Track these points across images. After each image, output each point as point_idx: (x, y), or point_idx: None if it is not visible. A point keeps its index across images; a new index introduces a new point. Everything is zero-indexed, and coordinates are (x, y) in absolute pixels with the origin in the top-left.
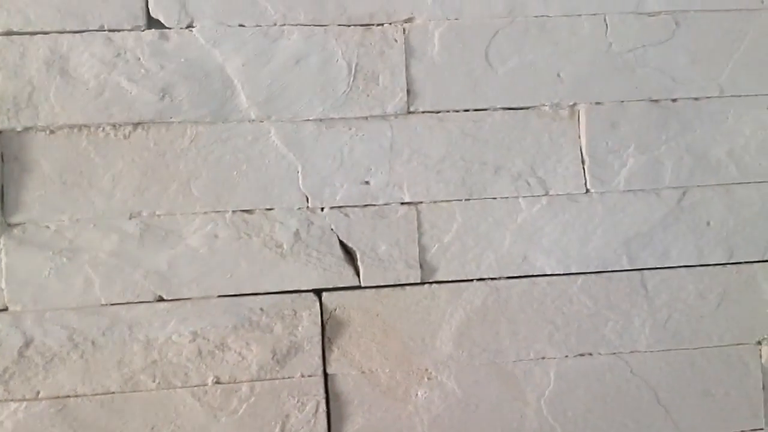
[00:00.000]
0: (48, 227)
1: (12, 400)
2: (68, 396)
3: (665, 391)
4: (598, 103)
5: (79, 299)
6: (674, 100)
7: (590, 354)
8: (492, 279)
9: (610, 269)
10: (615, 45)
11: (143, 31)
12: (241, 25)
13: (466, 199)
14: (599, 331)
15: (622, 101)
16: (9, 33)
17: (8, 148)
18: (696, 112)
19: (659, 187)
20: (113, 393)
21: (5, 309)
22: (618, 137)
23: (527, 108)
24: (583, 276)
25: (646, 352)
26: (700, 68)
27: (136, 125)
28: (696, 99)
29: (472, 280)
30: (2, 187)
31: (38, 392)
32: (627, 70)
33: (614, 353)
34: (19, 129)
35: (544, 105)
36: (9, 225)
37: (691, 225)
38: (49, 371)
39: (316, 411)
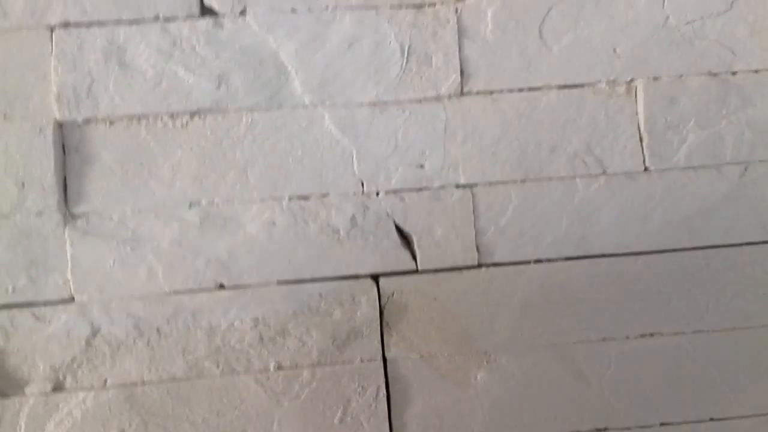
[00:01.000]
0: (111, 218)
1: (80, 389)
2: (135, 384)
3: (729, 371)
4: (655, 78)
5: (143, 288)
6: (734, 73)
7: (652, 335)
8: (550, 261)
9: (671, 248)
10: (672, 18)
11: (198, 19)
12: (293, 10)
13: (521, 181)
14: (661, 311)
15: (681, 76)
16: (67, 25)
17: (69, 140)
18: (756, 85)
19: (720, 163)
20: (179, 380)
21: (72, 299)
22: (677, 113)
23: (583, 85)
24: (643, 256)
25: (710, 331)
26: (760, 39)
27: (193, 114)
28: (756, 71)
29: (529, 262)
30: (65, 178)
31: (106, 381)
32: (685, 44)
33: (677, 333)
34: (79, 121)
35: (600, 82)
36: (73, 216)
37: (753, 201)
38: (116, 360)
39: (377, 395)
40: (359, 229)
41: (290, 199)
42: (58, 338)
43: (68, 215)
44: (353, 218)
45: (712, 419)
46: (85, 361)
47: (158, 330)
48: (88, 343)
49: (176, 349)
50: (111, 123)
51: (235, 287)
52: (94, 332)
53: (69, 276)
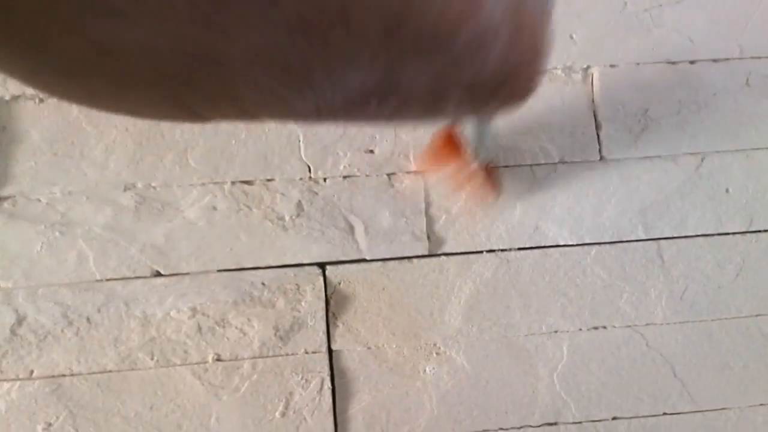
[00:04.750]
0: (39, 200)
1: (5, 380)
2: (63, 375)
3: (682, 364)
4: (612, 66)
5: (73, 275)
6: (692, 62)
7: (604, 327)
8: (502, 250)
9: (625, 239)
10: (630, 4)
11: None
12: None
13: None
14: (614, 303)
15: (638, 64)
16: None
17: None
18: (715, 75)
19: (676, 154)
20: (110, 371)
21: None
22: (634, 101)
23: None
24: (597, 246)
25: (662, 324)
26: (719, 29)
27: None
28: (715, 61)
29: (481, 251)
30: None
31: (32, 371)
32: (643, 31)
33: (629, 326)
34: (7, 98)
35: (555, 68)
36: None
37: (709, 192)
38: (43, 349)
39: (321, 388)
40: (305, 216)
41: (233, 183)
42: None
43: None
44: (299, 204)
45: (664, 413)
46: (10, 351)
47: (88, 319)
48: (13, 332)
49: (108, 339)
50: (41, 100)
51: (172, 275)
52: (20, 320)
53: None
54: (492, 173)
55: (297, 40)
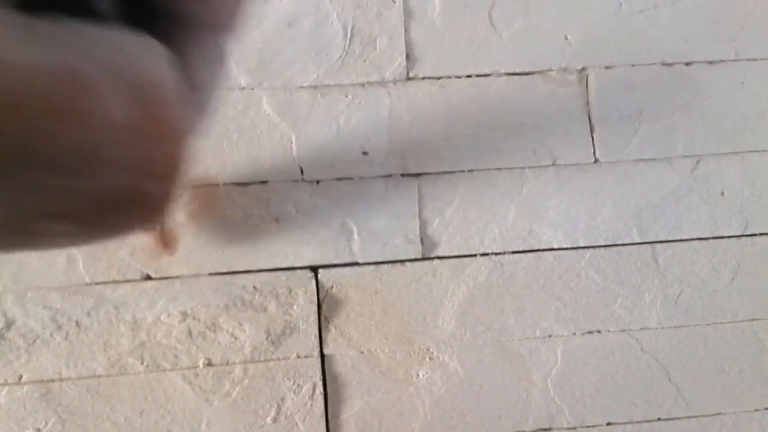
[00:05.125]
0: None
1: None
2: (52, 380)
3: (677, 369)
4: (608, 68)
5: (62, 278)
6: (688, 64)
7: (599, 331)
8: (496, 254)
9: (619, 242)
10: (625, 5)
11: None
12: None
13: (468, 170)
14: (608, 307)
15: (633, 65)
16: None
17: None
18: (710, 77)
19: (672, 156)
20: (99, 376)
21: None
22: (629, 103)
23: (533, 73)
24: (591, 250)
25: (656, 328)
26: (715, 30)
27: None
28: (710, 62)
29: (475, 255)
30: None
31: (21, 376)
32: (638, 32)
33: (624, 330)
34: None
35: (551, 70)
36: None
37: (704, 195)
38: (32, 354)
39: (313, 393)
40: (298, 219)
41: (225, 185)
42: None
43: None
44: (292, 207)
45: (659, 419)
46: None
47: (78, 323)
48: (2, 336)
49: (97, 343)
50: None
51: (163, 278)
52: (8, 324)
53: None
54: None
55: None
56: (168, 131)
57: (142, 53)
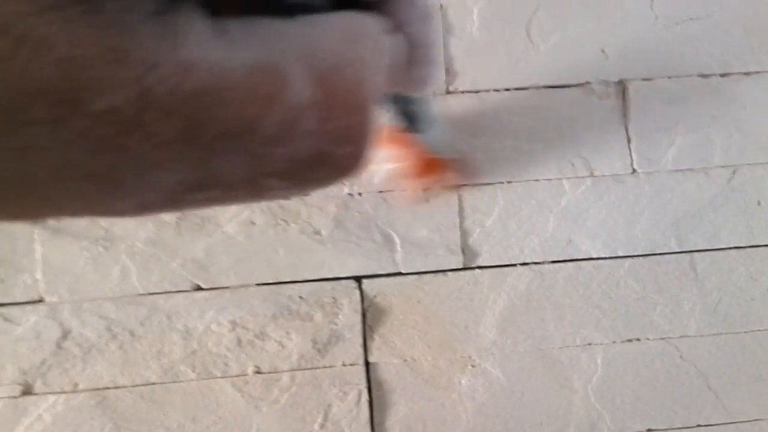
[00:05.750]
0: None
1: (50, 393)
2: (107, 387)
3: (715, 376)
4: (644, 80)
5: (117, 289)
6: (724, 75)
7: (638, 339)
8: (536, 263)
9: (658, 252)
10: (661, 18)
11: None
12: None
13: (508, 182)
14: (647, 315)
15: (670, 77)
16: None
17: None
18: (747, 88)
19: (708, 167)
20: (153, 384)
21: (41, 300)
22: (665, 115)
23: (571, 86)
24: (630, 259)
25: (695, 336)
26: (751, 41)
27: None
28: (746, 74)
29: (515, 264)
30: None
31: (77, 384)
32: (674, 45)
33: (663, 338)
34: None
35: (588, 82)
36: None
37: (741, 205)
38: (88, 363)
39: (359, 400)
40: (341, 230)
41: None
42: (27, 340)
43: None
44: (335, 218)
45: (698, 425)
46: (56, 364)
47: (132, 332)
48: (59, 345)
49: (150, 352)
50: None
51: (212, 288)
52: (65, 334)
53: (39, 276)
54: (451, 164)
55: (97, 153)
56: (349, 103)
57: (332, 35)
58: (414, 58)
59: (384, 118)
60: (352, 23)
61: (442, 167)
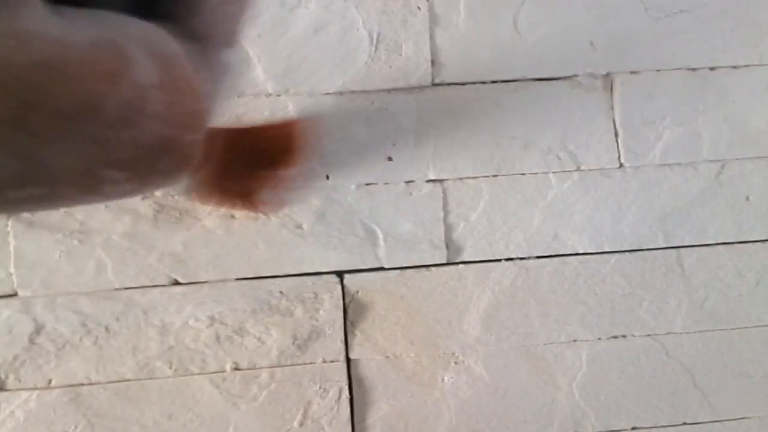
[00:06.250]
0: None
1: (23, 389)
2: (82, 384)
3: (702, 373)
4: (633, 72)
5: (92, 283)
6: (712, 69)
7: (624, 336)
8: (521, 259)
9: (645, 247)
10: (650, 11)
11: None
12: None
13: (493, 176)
14: (633, 312)
15: (658, 70)
16: None
17: None
18: (735, 81)
19: (696, 161)
20: (128, 380)
21: (14, 294)
22: (653, 108)
23: (558, 78)
24: (616, 255)
25: (682, 333)
26: (739, 34)
27: None
28: (735, 67)
29: (500, 260)
30: None
31: (50, 380)
32: (663, 38)
33: (649, 335)
34: None
35: (576, 75)
36: None
37: (729, 200)
38: (62, 358)
39: (339, 397)
40: (323, 224)
41: None
42: (0, 335)
43: None
44: (317, 212)
45: (684, 423)
46: (29, 360)
47: (107, 328)
48: (32, 340)
49: (126, 348)
50: None
51: (191, 283)
52: (38, 329)
53: (12, 270)
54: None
55: None
56: (189, 90)
57: (158, 32)
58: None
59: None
60: (165, 31)
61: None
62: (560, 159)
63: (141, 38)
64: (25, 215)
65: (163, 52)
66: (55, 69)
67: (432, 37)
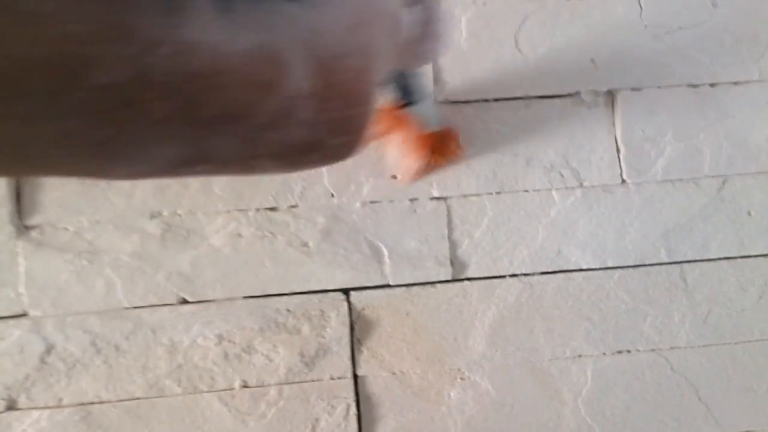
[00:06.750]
0: (66, 229)
1: (34, 408)
2: (92, 402)
3: (706, 387)
4: (634, 89)
5: (101, 303)
6: (713, 85)
7: (628, 351)
8: (525, 275)
9: (648, 263)
10: (651, 28)
11: None
12: None
13: (497, 193)
14: (637, 327)
15: (659, 87)
16: None
17: None
18: (736, 97)
19: (698, 177)
20: (138, 399)
21: (25, 314)
22: (655, 125)
23: (560, 96)
24: (620, 270)
25: (686, 347)
26: (740, 51)
27: None
28: (735, 83)
29: (504, 276)
30: (18, 188)
31: (61, 399)
32: (664, 54)
33: (653, 350)
34: None
35: (577, 92)
36: (26, 227)
37: (731, 215)
38: (72, 378)
39: (347, 414)
40: (329, 242)
41: (257, 210)
42: (11, 355)
43: (21, 226)
44: (323, 230)
45: None
46: (39, 379)
47: (116, 347)
48: (43, 360)
49: (135, 366)
50: None
51: (199, 302)
52: (49, 349)
53: (22, 290)
54: (446, 135)
55: (97, 124)
56: (349, 97)
57: (328, 26)
58: (425, 32)
59: (382, 98)
60: (364, 2)
61: (438, 140)
62: (563, 176)
63: (305, 40)
64: (34, 235)
65: (324, 56)
66: (213, 79)
67: None
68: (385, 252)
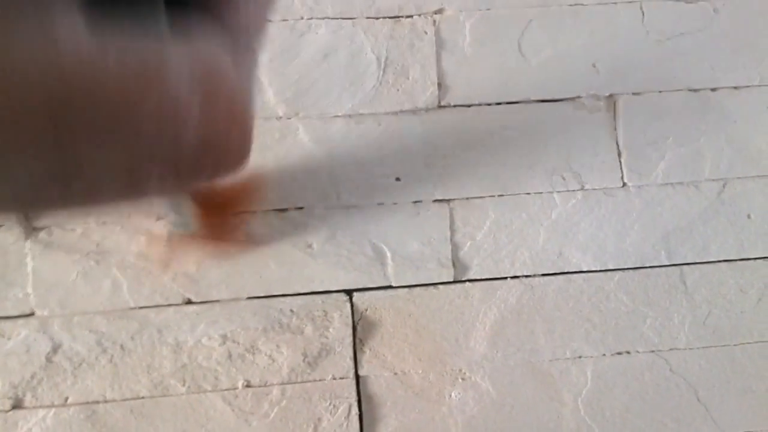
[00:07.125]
0: (74, 230)
1: (40, 407)
2: (97, 402)
3: (705, 388)
4: (635, 94)
5: (107, 303)
6: (713, 90)
7: (628, 352)
8: (526, 276)
9: (648, 265)
10: (652, 33)
11: None
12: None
13: (499, 195)
14: (637, 328)
15: (660, 91)
16: None
17: None
18: (736, 102)
19: (698, 180)
20: (143, 398)
21: (32, 314)
22: (656, 129)
23: (562, 100)
24: (620, 272)
25: (685, 349)
26: (740, 56)
27: None
28: (735, 88)
29: (506, 277)
30: None
31: (67, 398)
32: (665, 59)
33: (653, 351)
34: None
35: (579, 97)
36: (34, 229)
37: (731, 218)
38: (78, 377)
39: (349, 414)
40: (333, 244)
41: (264, 211)
42: (18, 354)
43: (30, 228)
44: (327, 232)
45: None
46: (46, 378)
47: (122, 346)
48: (49, 359)
49: (141, 366)
50: None
51: (203, 302)
52: (55, 348)
53: (30, 290)
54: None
55: None
56: (229, 105)
57: (204, 40)
58: (243, 57)
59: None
60: (208, 27)
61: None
62: (564, 179)
63: (181, 53)
64: (42, 236)
65: (206, 69)
66: (77, 90)
67: (438, 61)
68: (388, 254)
